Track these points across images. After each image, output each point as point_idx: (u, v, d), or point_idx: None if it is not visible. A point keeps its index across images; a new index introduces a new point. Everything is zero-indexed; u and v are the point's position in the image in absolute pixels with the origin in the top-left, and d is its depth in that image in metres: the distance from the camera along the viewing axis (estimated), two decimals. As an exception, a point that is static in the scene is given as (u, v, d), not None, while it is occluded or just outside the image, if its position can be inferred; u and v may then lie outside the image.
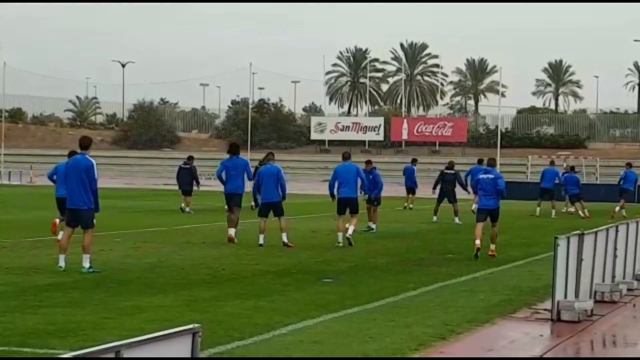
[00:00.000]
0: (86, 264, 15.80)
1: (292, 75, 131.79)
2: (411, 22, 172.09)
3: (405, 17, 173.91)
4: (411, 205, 37.50)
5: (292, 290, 14.43)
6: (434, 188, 32.71)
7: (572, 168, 39.73)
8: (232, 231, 21.78)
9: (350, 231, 21.80)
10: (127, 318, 11.49)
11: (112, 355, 5.12)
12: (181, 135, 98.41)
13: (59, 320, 11.09)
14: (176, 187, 35.65)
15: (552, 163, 40.27)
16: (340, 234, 21.70)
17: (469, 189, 28.81)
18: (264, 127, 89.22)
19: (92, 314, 11.65)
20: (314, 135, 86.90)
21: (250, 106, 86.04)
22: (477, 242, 19.65)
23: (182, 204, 33.58)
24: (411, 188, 38.11)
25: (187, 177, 34.29)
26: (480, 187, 20.26)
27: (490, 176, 20.10)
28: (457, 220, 30.29)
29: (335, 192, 22.37)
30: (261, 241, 21.14)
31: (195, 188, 34.27)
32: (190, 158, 35.96)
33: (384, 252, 20.65)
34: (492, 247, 20.01)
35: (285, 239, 21.09)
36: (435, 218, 30.80)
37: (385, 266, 17.97)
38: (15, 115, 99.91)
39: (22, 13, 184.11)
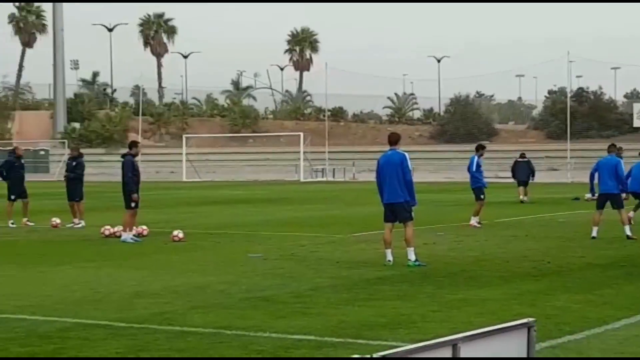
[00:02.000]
0: (412, 257, 16.05)
1: (611, 61, 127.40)
2: None
3: None
4: None
5: (622, 283, 13.95)
6: None
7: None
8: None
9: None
10: (455, 311, 11.55)
11: (449, 348, 5.16)
12: (498, 128, 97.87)
13: (389, 313, 11.33)
14: (500, 180, 36.06)
15: None
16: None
17: None
18: (583, 116, 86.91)
19: (421, 307, 11.81)
20: (637, 123, 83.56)
21: (569, 95, 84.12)
22: None
23: (520, 196, 35.32)
24: None
25: (525, 170, 36.10)
26: None
27: None
28: None
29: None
30: (594, 234, 20.42)
31: (530, 179, 36.36)
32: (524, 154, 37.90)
33: None
34: None
35: (628, 231, 20.30)
36: None
37: None
38: (337, 114, 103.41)
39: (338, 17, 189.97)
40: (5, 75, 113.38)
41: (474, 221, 24.20)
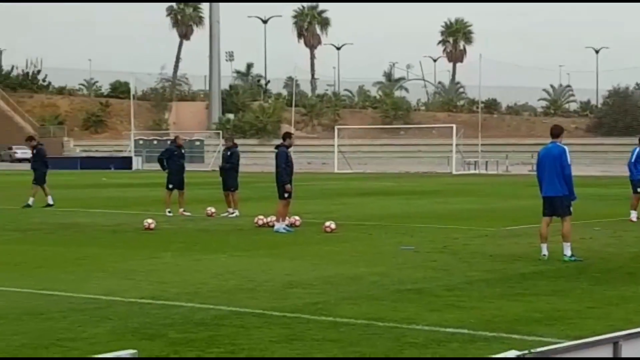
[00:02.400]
0: (567, 252, 15.72)
1: None
2: None
3: None
4: None
5: None
6: None
7: None
8: None
9: None
10: (613, 308, 11.23)
11: (610, 346, 5.00)
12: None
13: (544, 308, 11.10)
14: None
15: None
16: None
17: None
18: None
19: (577, 303, 11.53)
20: None
21: None
22: None
23: None
24: None
25: None
26: None
27: None
28: None
29: None
30: None
31: None
32: None
33: None
34: None
35: None
36: None
37: None
38: (491, 105, 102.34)
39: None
40: (163, 67, 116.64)
41: (633, 215, 23.53)
